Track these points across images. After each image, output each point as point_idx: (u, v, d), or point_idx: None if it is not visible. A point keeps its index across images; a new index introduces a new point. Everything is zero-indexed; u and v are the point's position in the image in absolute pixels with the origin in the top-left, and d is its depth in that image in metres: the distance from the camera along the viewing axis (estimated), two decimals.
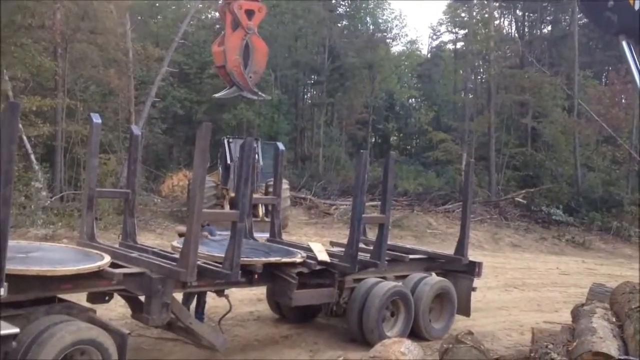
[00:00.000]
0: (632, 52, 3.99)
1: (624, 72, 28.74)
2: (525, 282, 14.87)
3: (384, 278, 8.61)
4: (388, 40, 42.76)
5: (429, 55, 49.20)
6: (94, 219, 8.03)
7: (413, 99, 45.93)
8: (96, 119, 7.80)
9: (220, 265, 6.56)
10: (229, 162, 19.67)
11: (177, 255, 6.73)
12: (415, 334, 8.43)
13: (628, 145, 29.42)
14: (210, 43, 12.74)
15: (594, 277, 15.33)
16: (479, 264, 9.68)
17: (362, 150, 8.35)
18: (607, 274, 17.02)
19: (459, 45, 40.81)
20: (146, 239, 14.70)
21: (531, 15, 38.16)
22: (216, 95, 10.14)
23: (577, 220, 26.57)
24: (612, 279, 14.21)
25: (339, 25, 39.54)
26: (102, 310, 7.08)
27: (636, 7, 3.92)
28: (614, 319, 7.16)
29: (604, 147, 32.04)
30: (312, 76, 38.56)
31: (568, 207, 27.44)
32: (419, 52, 51.04)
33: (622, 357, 4.66)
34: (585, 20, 29.23)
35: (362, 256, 8.29)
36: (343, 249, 8.49)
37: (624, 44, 4.01)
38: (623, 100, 31.36)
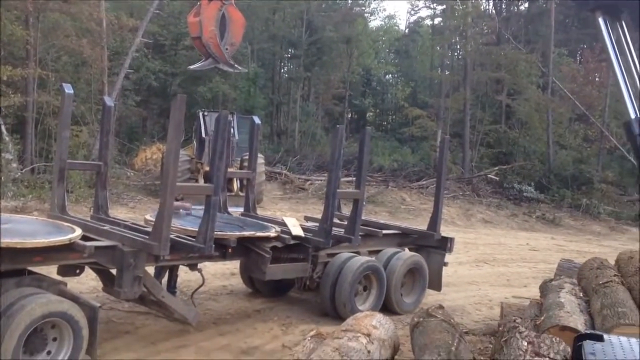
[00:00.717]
0: (609, 29, 3.96)
1: (598, 51, 29.06)
2: (495, 258, 15.10)
3: (358, 253, 8.66)
4: (366, 15, 42.58)
5: (406, 31, 49.11)
6: (65, 192, 7.90)
7: (390, 75, 45.91)
8: (68, 89, 7.63)
9: (194, 239, 6.53)
10: (203, 135, 19.47)
11: (149, 229, 6.68)
12: (387, 308, 8.52)
13: (600, 123, 29.83)
14: (186, 14, 12.50)
15: (563, 253, 15.60)
16: (451, 240, 9.79)
17: (338, 126, 8.31)
18: (575, 250, 17.35)
19: (437, 21, 40.82)
20: (118, 213, 14.59)
21: None
22: (191, 66, 9.94)
23: (548, 197, 27.00)
24: (580, 255, 14.51)
25: None
26: (73, 284, 7.03)
27: None
28: (581, 294, 7.29)
29: (576, 125, 32.46)
30: (289, 50, 38.23)
31: (539, 184, 27.84)
32: (396, 28, 50.96)
33: (588, 332, 4.76)
34: None
35: (337, 231, 8.31)
36: (317, 224, 8.49)
37: (601, 20, 3.98)
38: (597, 79, 31.74)
